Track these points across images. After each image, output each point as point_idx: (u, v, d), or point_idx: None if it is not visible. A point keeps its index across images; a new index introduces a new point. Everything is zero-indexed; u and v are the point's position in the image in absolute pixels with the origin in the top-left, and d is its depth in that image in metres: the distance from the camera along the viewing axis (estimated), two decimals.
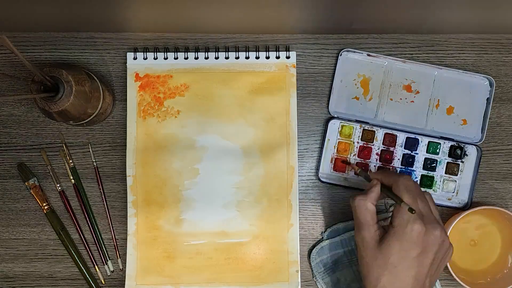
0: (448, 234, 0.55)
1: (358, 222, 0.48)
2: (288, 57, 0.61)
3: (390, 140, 0.61)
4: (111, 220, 0.61)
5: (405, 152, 0.61)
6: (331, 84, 0.61)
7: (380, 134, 0.61)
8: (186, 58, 0.61)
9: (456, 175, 0.61)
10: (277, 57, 0.61)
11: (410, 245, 0.44)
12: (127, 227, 0.60)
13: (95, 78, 0.57)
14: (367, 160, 0.61)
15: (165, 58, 0.61)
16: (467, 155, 0.61)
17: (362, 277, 0.47)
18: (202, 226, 0.60)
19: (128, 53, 0.61)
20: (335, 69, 0.61)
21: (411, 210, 0.45)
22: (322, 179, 0.61)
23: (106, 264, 0.61)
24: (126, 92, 0.60)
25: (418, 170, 0.61)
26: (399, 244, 0.44)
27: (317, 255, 0.60)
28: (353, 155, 0.61)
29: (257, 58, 0.61)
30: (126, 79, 0.61)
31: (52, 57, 0.61)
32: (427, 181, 0.61)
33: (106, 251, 0.61)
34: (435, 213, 0.50)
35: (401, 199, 0.47)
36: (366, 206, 0.48)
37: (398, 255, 0.44)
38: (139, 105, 0.60)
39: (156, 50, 0.61)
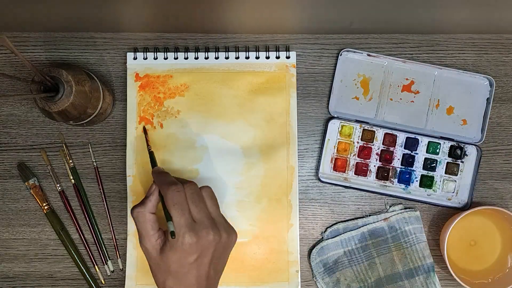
0: (447, 234, 0.56)
1: (139, 233, 0.49)
2: (288, 57, 0.61)
3: (390, 140, 0.61)
4: (111, 220, 0.61)
5: (405, 152, 0.61)
6: (331, 84, 0.61)
7: (380, 134, 0.61)
8: (186, 58, 0.61)
9: (456, 175, 0.61)
10: (277, 57, 0.61)
11: (185, 254, 0.47)
12: (127, 227, 0.60)
13: (95, 78, 0.57)
14: (367, 160, 0.61)
15: (165, 58, 0.61)
16: (467, 155, 0.61)
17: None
18: None
19: (128, 53, 0.61)
20: (335, 69, 0.61)
21: (172, 233, 0.46)
22: (322, 179, 0.61)
23: (106, 264, 0.61)
24: (126, 92, 0.61)
25: (418, 170, 0.61)
26: (176, 254, 0.47)
27: (317, 255, 0.60)
28: (353, 155, 0.61)
29: (257, 58, 0.61)
30: (126, 79, 0.61)
31: (52, 57, 0.61)
32: (427, 181, 0.61)
33: (106, 251, 0.61)
34: (213, 210, 0.50)
35: (169, 216, 0.47)
36: (145, 216, 0.49)
37: (177, 263, 0.47)
38: (139, 105, 0.60)
39: (156, 50, 0.61)
